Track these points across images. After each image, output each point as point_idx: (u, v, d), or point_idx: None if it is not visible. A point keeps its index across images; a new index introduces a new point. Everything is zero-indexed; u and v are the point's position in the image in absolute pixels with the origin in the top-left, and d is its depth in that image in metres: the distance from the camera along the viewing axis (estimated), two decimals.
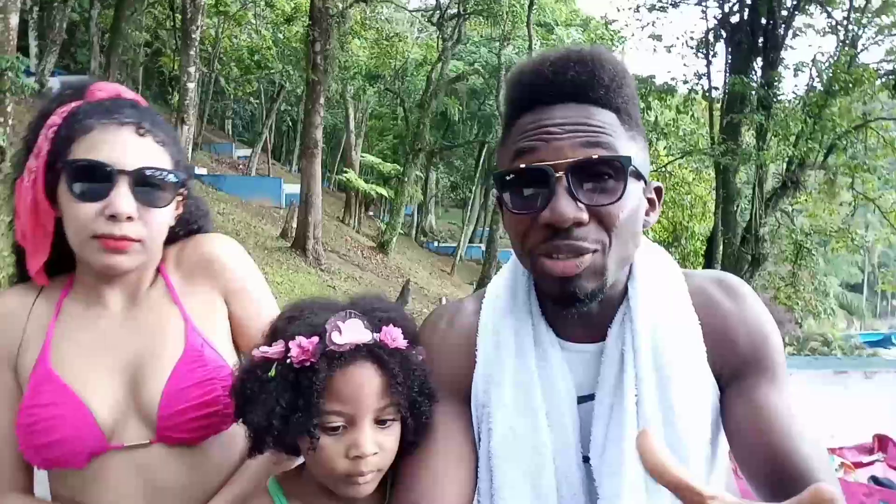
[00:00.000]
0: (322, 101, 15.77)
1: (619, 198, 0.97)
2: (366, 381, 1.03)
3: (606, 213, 0.97)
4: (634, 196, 1.00)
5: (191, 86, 13.21)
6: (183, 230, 1.32)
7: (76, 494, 1.17)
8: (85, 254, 1.15)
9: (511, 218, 1.03)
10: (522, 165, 0.99)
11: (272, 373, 1.03)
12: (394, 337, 1.06)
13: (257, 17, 23.91)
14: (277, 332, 1.08)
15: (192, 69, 13.25)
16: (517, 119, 1.05)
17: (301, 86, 22.81)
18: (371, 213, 32.56)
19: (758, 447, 0.99)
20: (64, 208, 1.14)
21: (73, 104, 1.17)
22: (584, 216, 0.96)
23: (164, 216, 1.20)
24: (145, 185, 1.14)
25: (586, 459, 1.06)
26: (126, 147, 1.13)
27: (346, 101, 27.41)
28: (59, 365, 1.16)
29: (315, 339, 1.02)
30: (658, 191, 1.11)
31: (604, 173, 0.97)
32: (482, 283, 19.25)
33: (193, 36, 13.35)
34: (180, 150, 1.25)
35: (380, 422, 1.05)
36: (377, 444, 1.04)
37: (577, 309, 1.02)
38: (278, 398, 1.02)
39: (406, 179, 22.07)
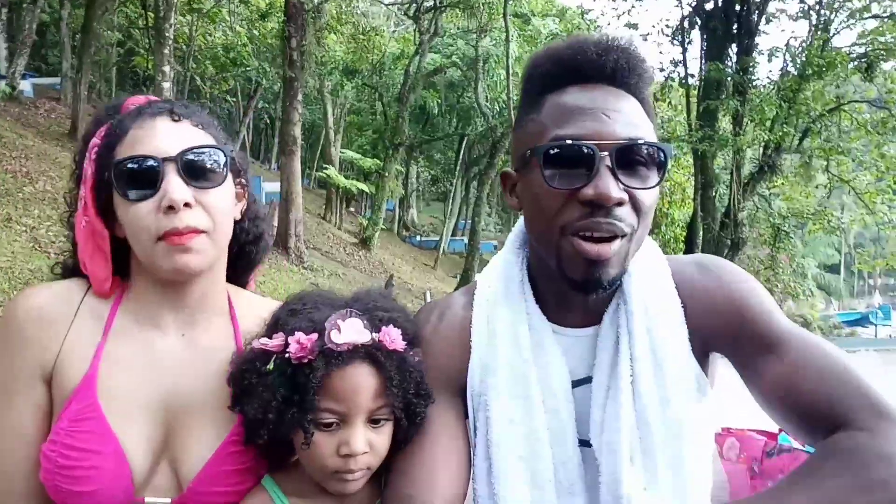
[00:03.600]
0: (300, 97, 15.65)
1: (657, 184, 1.01)
2: (362, 382, 1.04)
3: (641, 199, 1.01)
4: (659, 186, 1.04)
5: (166, 85, 13.04)
6: (251, 230, 1.26)
7: None
8: (154, 261, 1.07)
9: (545, 193, 1.02)
10: (569, 141, 1.00)
11: (270, 366, 1.04)
12: (392, 338, 1.06)
13: (231, 14, 23.64)
14: (279, 323, 1.08)
15: (166, 68, 13.09)
16: (546, 96, 1.06)
17: (278, 83, 22.63)
18: (352, 210, 32.43)
19: (781, 413, 1.03)
20: (122, 218, 1.09)
21: (108, 123, 1.15)
22: (625, 196, 0.99)
23: (224, 200, 1.12)
24: (193, 167, 1.07)
25: (582, 443, 1.08)
26: (165, 135, 1.08)
27: (324, 97, 27.22)
28: (105, 396, 1.06)
29: (314, 336, 1.03)
30: None
31: (643, 159, 1.01)
32: (465, 275, 19.27)
33: (167, 34, 13.17)
34: (222, 133, 1.19)
35: (373, 421, 1.06)
36: (369, 444, 1.05)
37: (596, 295, 1.05)
38: (275, 392, 1.03)
39: (386, 174, 21.98)
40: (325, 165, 26.63)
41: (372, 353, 1.04)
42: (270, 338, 1.06)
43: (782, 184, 18.13)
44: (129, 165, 1.06)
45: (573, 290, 1.05)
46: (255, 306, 1.22)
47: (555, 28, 22.10)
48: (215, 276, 1.17)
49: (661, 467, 1.03)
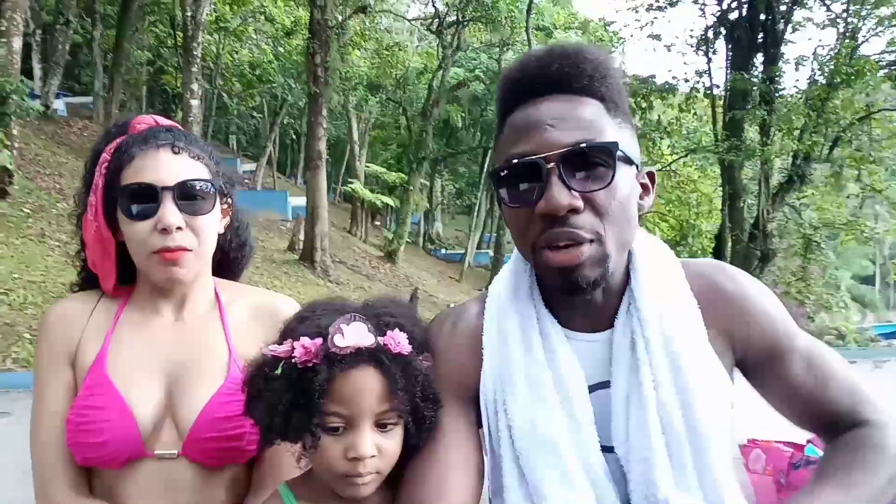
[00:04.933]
0: (324, 112, 15.85)
1: (610, 182, 1.00)
2: (366, 385, 1.04)
3: (600, 200, 1.00)
4: (626, 181, 1.03)
5: (194, 102, 13.31)
6: (234, 240, 1.48)
7: (107, 493, 1.26)
8: (147, 269, 1.29)
9: (510, 213, 1.06)
10: (515, 161, 1.02)
11: (278, 371, 1.05)
12: (398, 342, 1.06)
13: (258, 32, 24.07)
14: (289, 330, 1.10)
15: (194, 86, 13.36)
16: (507, 117, 1.09)
17: (303, 98, 22.94)
18: (377, 223, 32.63)
19: (798, 414, 1.13)
20: (124, 231, 1.29)
21: (119, 140, 1.33)
22: (579, 203, 0.99)
23: (211, 224, 1.33)
24: (187, 196, 1.28)
25: (604, 449, 1.06)
26: (166, 166, 1.27)
27: (348, 112, 27.53)
28: (114, 370, 1.27)
29: (319, 340, 1.04)
30: (651, 176, 1.13)
31: (594, 161, 1.00)
32: None
33: (195, 53, 13.45)
34: (217, 162, 1.39)
35: (381, 425, 1.06)
36: (377, 447, 1.05)
37: (581, 297, 1.06)
38: (281, 396, 1.04)
39: (411, 188, 22.12)
40: (350, 180, 26.88)
41: (376, 357, 1.04)
42: (280, 344, 1.08)
43: (812, 194, 17.84)
44: (134, 190, 1.26)
45: (561, 295, 1.09)
46: (239, 292, 1.46)
47: (578, 41, 22.11)
48: (202, 278, 1.39)
49: (689, 471, 1.02)
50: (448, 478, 1.06)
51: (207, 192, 1.31)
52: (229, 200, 1.41)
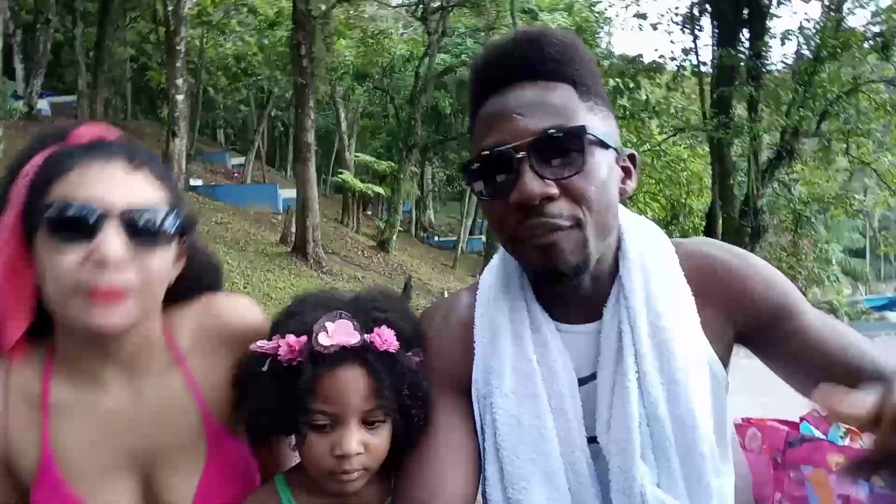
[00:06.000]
0: (312, 103, 15.73)
1: (582, 167, 0.98)
2: (351, 383, 1.03)
3: (575, 186, 0.98)
4: (602, 165, 1.01)
5: (180, 98, 13.20)
6: (192, 289, 1.16)
7: None
8: (67, 313, 0.96)
9: (486, 206, 1.05)
10: (485, 152, 1.00)
11: (265, 368, 1.05)
12: (385, 339, 1.05)
13: (241, 25, 23.83)
14: (277, 325, 1.10)
15: (179, 81, 13.23)
16: (477, 112, 1.07)
17: (290, 90, 22.75)
18: (369, 213, 32.54)
19: (821, 367, 1.06)
20: (42, 262, 0.97)
21: (51, 149, 1.03)
22: (553, 191, 0.97)
23: (163, 262, 1.02)
24: (137, 227, 0.98)
25: (591, 440, 1.06)
26: (114, 182, 0.98)
27: (336, 103, 27.34)
28: (68, 471, 1.02)
29: (304, 338, 1.03)
30: (632, 158, 1.11)
31: (565, 147, 0.98)
32: None
33: (178, 48, 13.32)
34: (179, 191, 1.10)
35: (368, 422, 1.06)
36: (364, 445, 1.04)
37: (567, 286, 1.04)
38: (268, 393, 1.04)
39: (402, 176, 22.02)
40: (340, 170, 26.75)
41: (362, 355, 1.04)
42: (270, 339, 1.07)
43: (802, 169, 17.88)
44: (66, 207, 0.96)
45: (547, 284, 1.07)
46: (186, 315, 1.15)
47: (563, 23, 22.00)
48: (149, 324, 1.08)
49: (674, 463, 1.01)
50: (444, 472, 1.05)
51: (165, 222, 1.01)
52: (186, 241, 1.11)
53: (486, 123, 1.03)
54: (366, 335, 1.05)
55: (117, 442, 1.06)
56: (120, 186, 0.99)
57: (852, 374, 1.02)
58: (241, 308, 1.18)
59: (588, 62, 1.06)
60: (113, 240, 0.95)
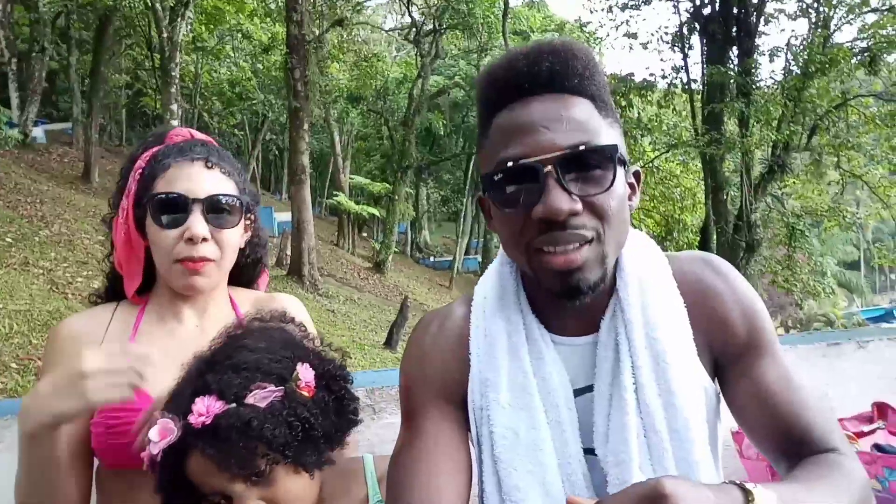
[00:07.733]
0: (306, 126, 15.82)
1: (610, 186, 0.97)
2: (208, 470, 1.02)
3: (599, 203, 0.97)
4: (621, 183, 1.00)
5: (174, 123, 13.26)
6: (251, 255, 1.52)
7: (133, 495, 1.26)
8: (170, 276, 1.34)
9: (503, 218, 1.02)
10: (510, 164, 0.98)
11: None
12: (209, 416, 1.01)
13: (235, 50, 24.03)
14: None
15: (174, 107, 13.32)
16: (493, 118, 1.05)
17: (284, 114, 22.89)
18: (364, 235, 32.58)
19: (764, 420, 1.03)
20: (151, 237, 1.34)
21: (155, 148, 1.38)
22: (579, 206, 0.96)
23: (234, 237, 1.38)
24: (215, 210, 1.33)
25: (587, 452, 1.06)
26: (198, 179, 1.33)
27: (330, 125, 27.49)
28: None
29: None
30: (637, 175, 1.11)
31: (592, 163, 0.97)
32: None
33: (173, 74, 13.42)
34: (245, 180, 1.45)
35: (260, 482, 1.03)
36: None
37: (580, 301, 1.01)
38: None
39: (396, 197, 22.11)
40: (335, 192, 26.82)
41: (225, 434, 1.00)
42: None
43: (794, 183, 17.98)
44: (165, 199, 1.31)
45: (556, 299, 1.03)
46: (250, 297, 1.53)
47: (563, 38, 22.19)
48: (220, 287, 1.45)
49: (671, 473, 1.00)
50: (437, 483, 1.04)
51: (234, 206, 1.37)
52: (251, 217, 1.46)
53: (507, 133, 1.00)
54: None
55: (181, 358, 1.25)
56: (201, 182, 1.33)
57: (794, 442, 1.01)
58: (297, 305, 1.53)
59: (603, 77, 1.05)
60: (199, 221, 1.30)
